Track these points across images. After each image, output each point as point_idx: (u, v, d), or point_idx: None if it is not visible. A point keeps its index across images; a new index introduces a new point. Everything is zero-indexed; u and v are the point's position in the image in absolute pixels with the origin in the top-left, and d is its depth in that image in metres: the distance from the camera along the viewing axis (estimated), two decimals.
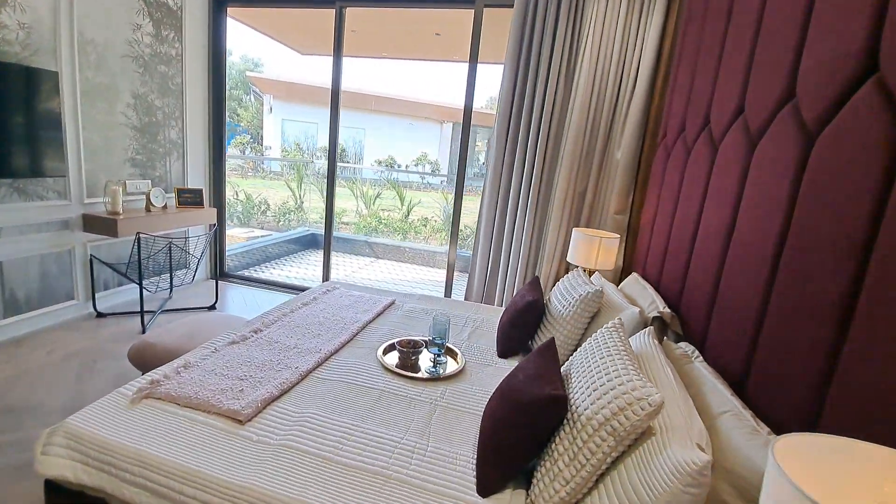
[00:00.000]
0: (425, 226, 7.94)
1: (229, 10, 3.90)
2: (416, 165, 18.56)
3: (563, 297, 2.08)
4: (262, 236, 6.39)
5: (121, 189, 3.07)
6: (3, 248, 2.59)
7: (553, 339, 1.49)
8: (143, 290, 3.06)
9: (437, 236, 7.74)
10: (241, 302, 3.80)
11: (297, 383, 1.65)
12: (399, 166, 18.95)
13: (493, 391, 1.50)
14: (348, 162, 18.37)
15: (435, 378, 1.79)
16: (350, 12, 3.68)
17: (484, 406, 1.53)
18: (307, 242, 6.59)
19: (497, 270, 3.45)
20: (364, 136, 19.19)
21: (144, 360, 2.07)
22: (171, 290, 3.60)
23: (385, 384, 1.71)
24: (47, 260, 2.87)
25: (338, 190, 9.07)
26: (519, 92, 3.13)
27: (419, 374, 1.80)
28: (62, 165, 2.82)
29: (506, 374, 1.48)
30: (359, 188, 8.60)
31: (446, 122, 20.56)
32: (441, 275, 6.05)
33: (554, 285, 2.98)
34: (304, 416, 1.45)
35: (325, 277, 4.13)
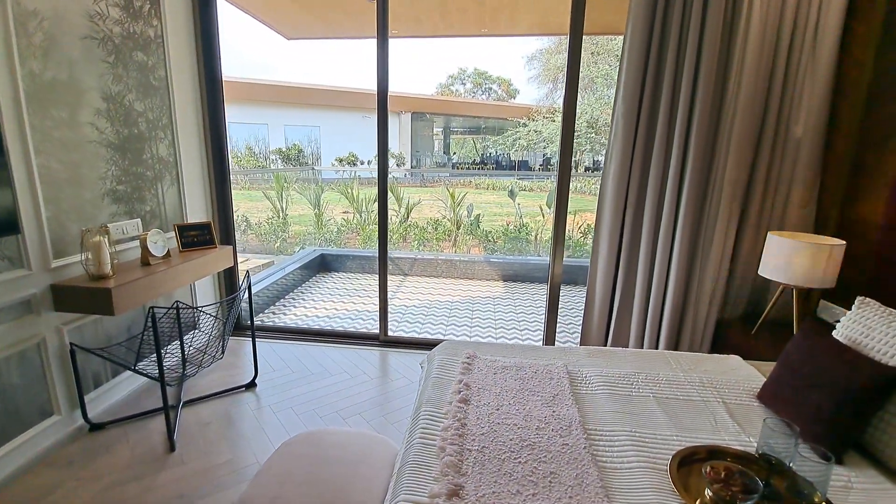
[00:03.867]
0: (436, 228, 7.05)
1: None
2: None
3: None
4: (265, 265, 5.27)
5: (105, 239, 2.02)
6: None
7: None
8: (164, 384, 2.05)
9: (463, 241, 6.87)
10: (283, 368, 2.81)
11: None
12: (362, 163, 17.73)
13: None
14: (306, 163, 16.97)
15: None
16: None
17: None
18: (318, 265, 5.53)
19: (629, 297, 2.70)
20: (319, 133, 17.80)
21: None
22: (184, 368, 2.56)
23: None
24: (5, 367, 1.80)
25: (325, 195, 8.01)
26: (655, 60, 2.36)
27: None
28: (11, 214, 1.76)
29: None
30: (347, 190, 7.51)
31: (404, 113, 19.50)
32: (490, 288, 5.30)
33: (767, 314, 2.28)
34: None
35: (384, 322, 3.20)
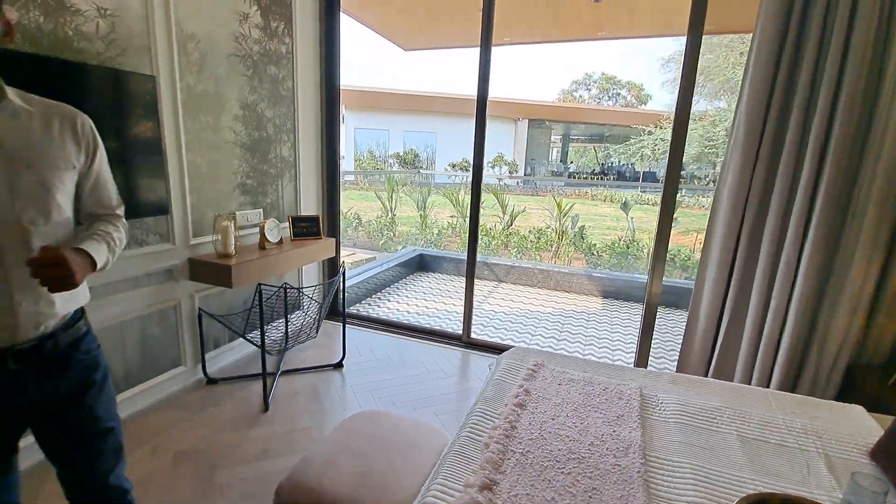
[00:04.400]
0: (538, 238, 6.94)
1: None
2: (493, 167, 17.57)
3: None
4: (367, 260, 5.73)
5: (232, 224, 2.38)
6: (94, 316, 1.94)
7: None
8: (265, 353, 2.35)
9: (565, 252, 6.69)
10: (369, 354, 3.02)
11: None
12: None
13: None
14: (420, 167, 17.83)
15: None
16: None
17: None
18: (415, 265, 5.83)
19: (738, 327, 2.39)
20: (436, 140, 18.58)
21: None
22: (286, 342, 2.89)
23: None
24: (149, 322, 2.23)
25: (432, 198, 8.40)
26: (788, 60, 2.07)
27: None
28: (164, 199, 2.17)
29: None
30: (455, 196, 7.76)
31: (521, 120, 19.43)
32: (583, 302, 5.05)
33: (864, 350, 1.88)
34: None
35: (467, 327, 3.26)
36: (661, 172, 16.96)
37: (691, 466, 1.25)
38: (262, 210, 2.82)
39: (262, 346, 2.32)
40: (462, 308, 3.28)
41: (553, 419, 1.47)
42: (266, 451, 1.97)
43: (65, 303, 1.01)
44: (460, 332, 3.32)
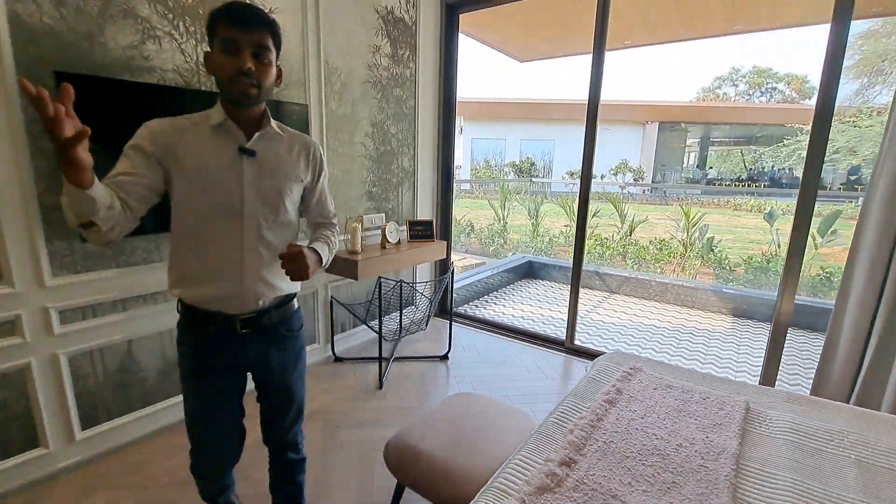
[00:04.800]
0: (660, 249, 6.53)
1: (460, 17, 3.45)
2: (615, 175, 16.66)
3: None
4: (477, 264, 6.01)
5: (359, 226, 2.78)
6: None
7: None
8: (381, 339, 2.69)
9: (690, 265, 6.23)
10: (473, 350, 3.22)
11: None
12: (594, 177, 17.32)
13: None
14: (537, 176, 17.68)
15: None
16: None
17: None
18: (524, 271, 5.93)
19: (889, 353, 2.08)
20: (553, 147, 18.30)
21: (403, 468, 1.49)
22: (399, 332, 3.23)
23: None
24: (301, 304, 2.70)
25: (545, 207, 8.41)
26: None
27: None
28: None
29: None
30: (570, 204, 7.67)
31: (650, 123, 18.08)
32: (707, 320, 4.61)
33: None
34: None
35: (570, 333, 3.28)
36: (830, 178, 14.43)
37: (791, 481, 1.19)
38: (384, 214, 3.21)
39: (380, 332, 2.65)
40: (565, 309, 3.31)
41: (642, 418, 1.49)
42: (379, 419, 2.28)
43: (279, 286, 1.26)
44: (563, 337, 3.34)
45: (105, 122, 1.42)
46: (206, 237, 1.16)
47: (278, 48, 1.16)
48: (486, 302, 4.90)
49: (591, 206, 7.70)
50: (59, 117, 0.78)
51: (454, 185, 3.77)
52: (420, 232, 3.27)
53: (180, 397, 1.33)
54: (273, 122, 1.22)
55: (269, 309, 1.27)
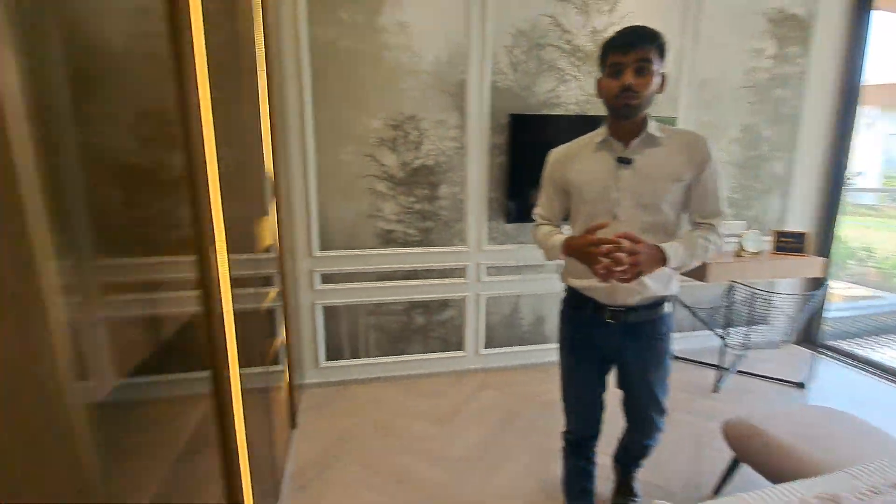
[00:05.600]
0: None
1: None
2: None
3: None
4: (870, 296, 4.67)
5: None
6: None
7: None
8: (725, 345, 2.69)
9: None
10: (840, 388, 2.71)
11: None
12: None
13: None
14: None
15: None
16: None
17: None
18: None
19: None
20: None
21: (744, 445, 1.61)
22: (746, 345, 3.04)
23: None
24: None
25: None
26: None
27: None
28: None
29: None
30: None
31: None
32: None
33: None
34: None
35: None
36: None
37: None
38: (744, 222, 3.09)
39: (724, 338, 2.66)
40: None
41: None
42: (711, 414, 2.36)
43: (651, 288, 1.28)
44: None
45: (533, 139, 2.30)
46: None
47: (663, 57, 1.19)
48: (880, 344, 3.80)
49: None
50: (601, 253, 1.14)
51: (846, 195, 3.17)
52: (788, 244, 2.96)
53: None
54: (651, 126, 1.24)
55: (638, 307, 1.31)
